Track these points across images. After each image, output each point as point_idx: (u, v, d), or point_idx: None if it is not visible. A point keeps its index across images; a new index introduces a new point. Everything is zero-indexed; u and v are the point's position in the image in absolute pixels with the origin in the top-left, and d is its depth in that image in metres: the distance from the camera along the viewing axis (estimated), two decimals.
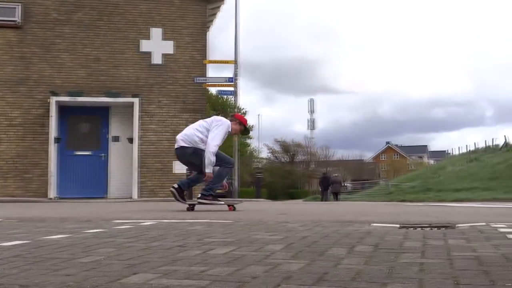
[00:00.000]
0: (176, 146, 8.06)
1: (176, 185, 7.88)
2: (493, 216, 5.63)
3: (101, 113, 16.07)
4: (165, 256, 2.49)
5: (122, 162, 15.91)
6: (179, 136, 7.99)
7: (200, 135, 7.80)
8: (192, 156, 7.80)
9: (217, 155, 7.79)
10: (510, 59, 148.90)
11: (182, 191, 7.86)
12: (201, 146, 7.75)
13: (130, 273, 2.04)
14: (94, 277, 1.96)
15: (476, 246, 2.81)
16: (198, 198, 7.86)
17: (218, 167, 7.90)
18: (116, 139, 16.08)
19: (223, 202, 7.93)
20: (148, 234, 3.61)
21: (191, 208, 7.66)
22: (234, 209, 7.59)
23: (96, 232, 3.79)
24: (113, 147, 16.02)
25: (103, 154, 15.92)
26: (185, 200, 7.91)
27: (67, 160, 15.66)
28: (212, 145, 7.67)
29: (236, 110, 21.44)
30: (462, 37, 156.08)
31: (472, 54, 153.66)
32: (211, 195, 7.75)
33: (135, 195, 15.44)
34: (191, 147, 7.77)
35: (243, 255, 2.52)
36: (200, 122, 8.11)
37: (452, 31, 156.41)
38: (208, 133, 7.80)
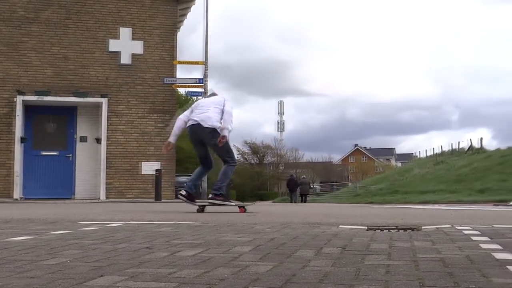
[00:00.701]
0: (192, 122, 7.82)
1: (183, 192, 7.72)
2: (458, 218, 5.73)
3: (68, 113, 15.87)
4: (132, 258, 2.47)
5: (89, 163, 15.73)
6: (199, 117, 7.75)
7: (220, 119, 7.72)
8: (208, 135, 7.63)
9: (228, 144, 7.76)
10: (474, 65, 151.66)
11: (191, 195, 7.74)
12: (219, 129, 7.66)
13: (96, 275, 2.02)
14: (59, 279, 1.93)
15: (441, 248, 2.85)
16: (209, 198, 7.75)
17: (224, 167, 7.83)
18: (83, 139, 15.89)
19: (234, 203, 7.81)
20: (115, 235, 3.58)
21: (201, 209, 7.49)
22: (245, 210, 7.41)
23: (62, 233, 3.74)
24: (80, 148, 15.83)
25: (70, 155, 15.72)
26: (195, 202, 7.77)
27: (33, 160, 15.42)
28: (231, 119, 7.77)
29: None
30: (430, 42, 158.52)
31: (440, 59, 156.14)
32: (221, 195, 7.64)
33: (102, 196, 15.28)
34: (210, 127, 7.68)
35: (211, 257, 2.51)
36: (213, 108, 7.85)
37: (421, 36, 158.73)
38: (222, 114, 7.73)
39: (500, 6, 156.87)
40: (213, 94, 8.29)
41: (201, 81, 18.10)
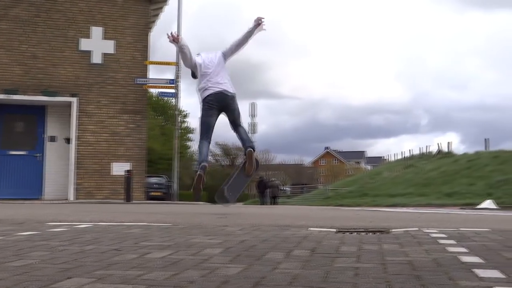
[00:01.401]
0: (215, 90, 7.36)
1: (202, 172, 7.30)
2: (426, 221, 5.80)
3: (38, 112, 15.65)
4: (101, 260, 2.45)
5: (59, 163, 15.53)
6: (221, 85, 7.41)
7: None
8: (233, 102, 7.42)
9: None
10: (444, 70, 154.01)
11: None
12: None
13: (64, 277, 1.99)
14: (26, 281, 1.90)
15: (409, 251, 2.88)
16: (250, 153, 7.49)
17: (241, 128, 7.68)
18: (52, 139, 15.69)
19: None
20: (84, 237, 3.54)
21: None
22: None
23: (29, 234, 3.69)
24: (49, 147, 15.62)
25: (38, 154, 15.50)
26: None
27: (1, 160, 15.16)
28: None
29: (177, 112, 21.28)
30: (401, 47, 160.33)
31: (410, 64, 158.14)
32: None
33: (71, 196, 15.09)
34: (232, 94, 7.42)
35: (180, 259, 2.50)
36: (224, 71, 7.53)
37: (392, 41, 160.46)
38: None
39: (469, 13, 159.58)
40: None
41: (173, 82, 18.02)
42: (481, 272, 2.16)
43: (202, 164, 7.36)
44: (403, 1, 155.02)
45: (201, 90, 7.44)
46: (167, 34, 7.42)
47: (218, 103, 7.38)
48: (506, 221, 6.26)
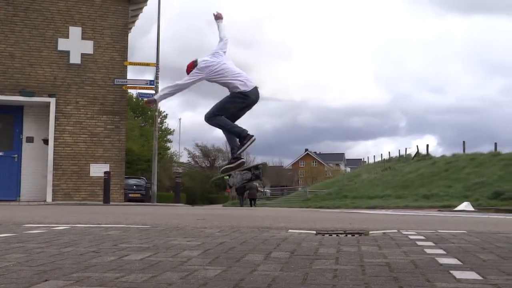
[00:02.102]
0: (252, 86, 6.64)
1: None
2: (404, 223, 5.85)
3: (15, 113, 15.46)
4: (78, 262, 2.43)
5: (36, 164, 15.36)
6: (252, 81, 6.85)
7: None
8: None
9: None
10: (422, 73, 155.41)
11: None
12: None
13: (41, 280, 1.97)
14: (1, 284, 1.87)
15: (387, 252, 2.90)
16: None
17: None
18: (30, 139, 15.51)
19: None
20: (61, 239, 3.50)
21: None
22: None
23: (5, 236, 3.64)
24: (26, 148, 15.45)
25: (15, 155, 15.31)
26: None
27: None
28: None
29: (156, 113, 21.19)
30: (380, 51, 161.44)
31: (389, 67, 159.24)
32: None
33: (49, 198, 14.94)
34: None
35: (159, 261, 2.49)
36: (235, 66, 7.03)
37: (371, 44, 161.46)
38: None
39: (448, 18, 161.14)
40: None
41: (152, 83, 17.93)
42: (458, 274, 2.18)
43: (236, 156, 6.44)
44: (384, 4, 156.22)
45: (240, 84, 6.71)
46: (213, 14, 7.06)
47: (255, 101, 6.75)
48: (482, 223, 6.33)
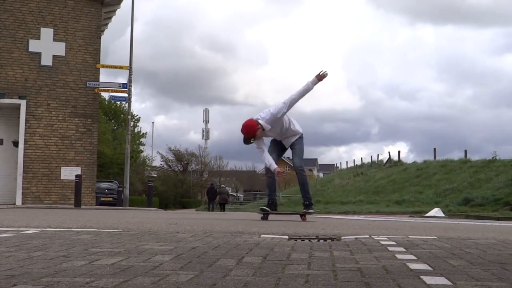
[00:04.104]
0: None
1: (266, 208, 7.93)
2: (376, 228, 5.89)
3: None
4: (48, 267, 2.39)
5: (6, 167, 15.12)
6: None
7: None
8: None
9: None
10: (393, 81, 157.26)
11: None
12: None
13: (9, 285, 1.94)
14: None
15: (359, 258, 2.92)
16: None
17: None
18: None
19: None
20: (31, 243, 3.45)
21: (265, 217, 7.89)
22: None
23: None
24: None
25: None
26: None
27: None
28: None
29: (129, 116, 21.04)
30: (354, 57, 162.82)
31: (362, 74, 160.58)
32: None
33: (18, 201, 14.71)
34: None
35: (130, 266, 2.47)
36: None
37: (345, 50, 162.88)
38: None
39: (419, 26, 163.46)
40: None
41: (125, 86, 17.82)
42: (428, 279, 2.20)
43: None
44: (356, 12, 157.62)
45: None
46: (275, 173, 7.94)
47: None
48: (452, 229, 6.42)
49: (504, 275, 2.38)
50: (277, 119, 7.65)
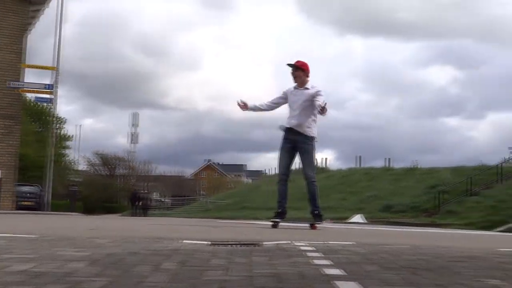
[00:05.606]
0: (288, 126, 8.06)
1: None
2: (297, 234, 5.98)
3: None
4: None
5: None
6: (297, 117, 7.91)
7: None
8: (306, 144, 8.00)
9: None
10: (323, 90, 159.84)
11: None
12: None
13: None
14: None
15: (277, 263, 2.95)
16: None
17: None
18: None
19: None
20: None
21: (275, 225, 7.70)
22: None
23: None
24: None
25: None
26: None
27: None
28: None
29: (54, 119, 20.45)
30: (283, 65, 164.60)
31: (291, 82, 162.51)
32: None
33: None
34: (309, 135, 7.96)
35: (42, 272, 2.40)
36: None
37: (276, 58, 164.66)
38: None
39: (348, 37, 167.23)
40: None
41: (50, 87, 17.33)
42: (341, 284, 2.26)
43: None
44: (288, 21, 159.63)
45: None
46: (237, 103, 7.94)
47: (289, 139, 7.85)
48: (371, 235, 6.60)
49: (414, 279, 2.48)
50: (310, 97, 7.67)
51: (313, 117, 7.73)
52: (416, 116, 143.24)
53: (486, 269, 3.01)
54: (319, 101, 7.40)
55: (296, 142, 7.71)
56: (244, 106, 7.92)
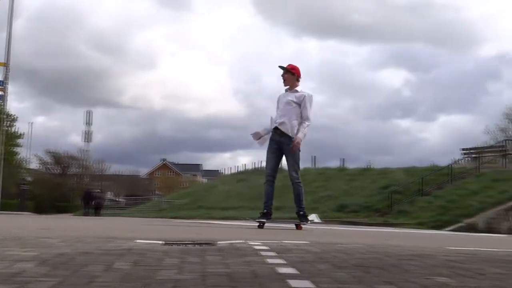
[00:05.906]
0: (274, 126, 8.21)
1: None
2: (252, 234, 5.99)
3: None
4: None
5: None
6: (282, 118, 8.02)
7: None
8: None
9: None
10: (278, 89, 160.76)
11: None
12: None
13: None
14: None
15: (231, 262, 2.95)
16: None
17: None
18: None
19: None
20: None
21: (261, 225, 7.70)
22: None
23: None
24: None
25: None
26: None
27: None
28: None
29: (4, 116, 19.95)
30: (242, 66, 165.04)
31: (248, 82, 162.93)
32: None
33: None
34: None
35: None
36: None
37: (233, 58, 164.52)
38: None
39: (304, 39, 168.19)
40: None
41: (1, 84, 16.89)
42: (294, 283, 2.27)
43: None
44: (245, 22, 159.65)
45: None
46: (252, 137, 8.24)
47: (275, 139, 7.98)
48: (326, 234, 6.68)
49: (365, 277, 2.51)
50: (295, 105, 7.85)
51: (299, 120, 7.93)
52: (370, 118, 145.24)
53: (435, 267, 3.08)
54: (297, 139, 7.82)
55: (281, 143, 7.88)
56: (257, 136, 8.07)
